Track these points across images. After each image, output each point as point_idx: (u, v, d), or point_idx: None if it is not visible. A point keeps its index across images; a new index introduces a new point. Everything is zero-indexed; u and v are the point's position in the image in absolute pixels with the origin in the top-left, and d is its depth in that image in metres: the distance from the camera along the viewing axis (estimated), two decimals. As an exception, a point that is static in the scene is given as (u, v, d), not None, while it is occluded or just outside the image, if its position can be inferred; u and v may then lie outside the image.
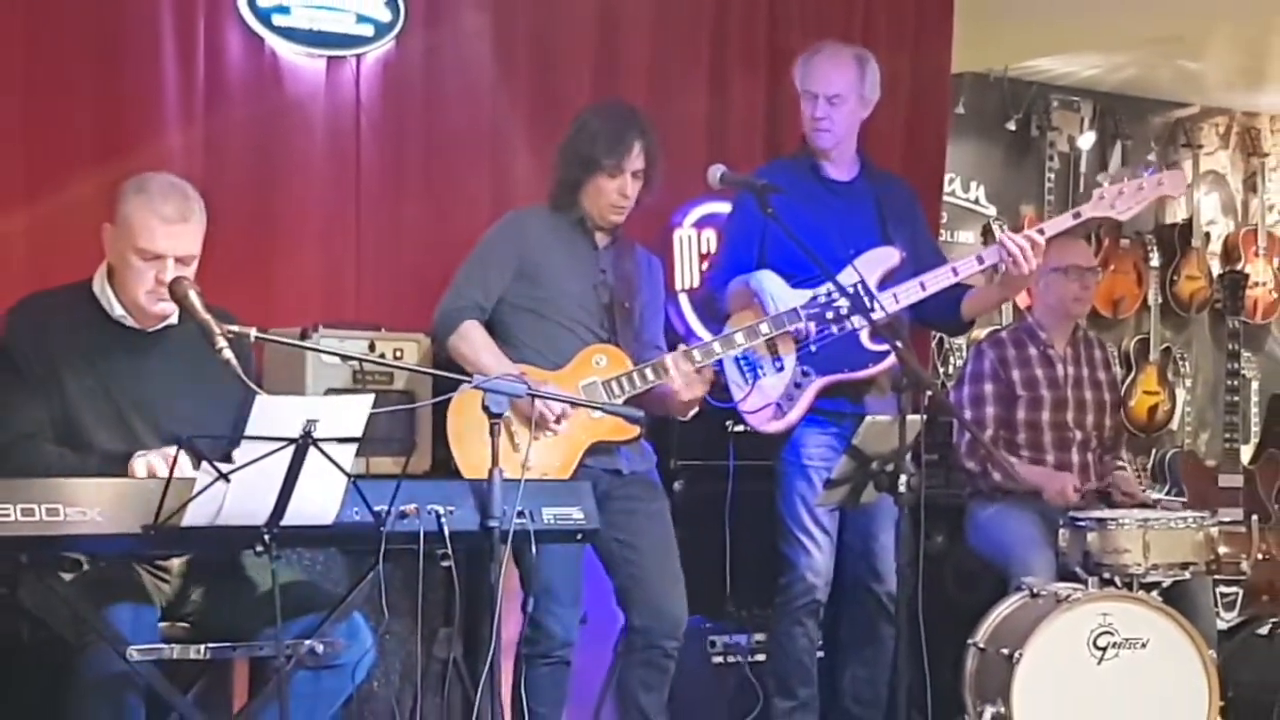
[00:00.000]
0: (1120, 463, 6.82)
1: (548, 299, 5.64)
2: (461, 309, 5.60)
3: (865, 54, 6.29)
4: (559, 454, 5.47)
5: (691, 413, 5.73)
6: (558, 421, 5.43)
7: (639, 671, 5.74)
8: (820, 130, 6.18)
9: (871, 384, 6.11)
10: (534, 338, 5.62)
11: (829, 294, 5.71)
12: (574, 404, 5.38)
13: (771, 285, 5.99)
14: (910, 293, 6.06)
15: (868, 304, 5.65)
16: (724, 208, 6.90)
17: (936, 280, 6.08)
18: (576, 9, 7.30)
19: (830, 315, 5.72)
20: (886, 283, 6.04)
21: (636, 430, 5.63)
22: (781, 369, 6.04)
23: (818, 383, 6.05)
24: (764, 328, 5.80)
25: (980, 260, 6.13)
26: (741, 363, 6.04)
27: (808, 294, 5.92)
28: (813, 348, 5.99)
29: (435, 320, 5.66)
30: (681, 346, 5.79)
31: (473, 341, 5.54)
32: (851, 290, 5.62)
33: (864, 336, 5.97)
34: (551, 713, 5.69)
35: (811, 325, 5.82)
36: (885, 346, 5.91)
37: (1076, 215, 6.16)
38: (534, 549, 4.94)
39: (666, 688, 5.80)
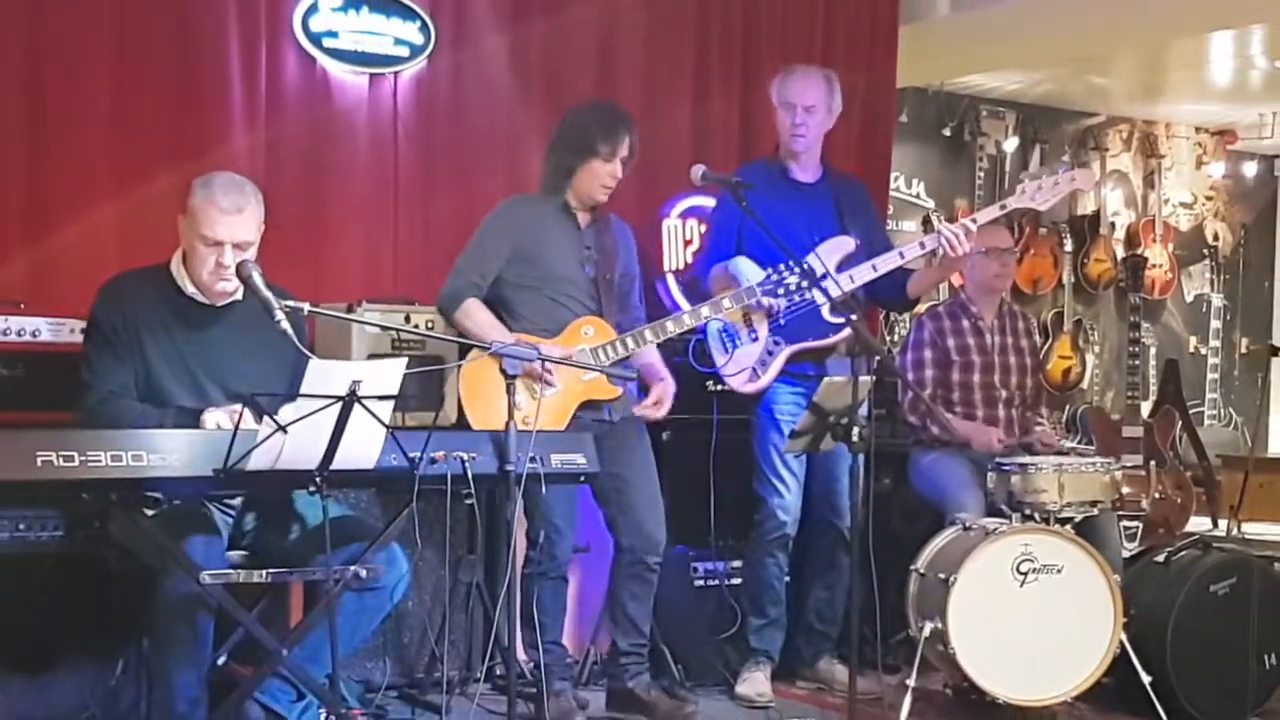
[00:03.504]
0: (1040, 420, 6.80)
1: (544, 276, 5.59)
2: (461, 288, 5.56)
3: (831, 74, 6.28)
4: (555, 410, 5.43)
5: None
6: (549, 375, 5.38)
7: (627, 585, 5.74)
8: (797, 136, 6.16)
9: (832, 350, 6.11)
10: (533, 311, 5.57)
11: (780, 271, 5.68)
12: (580, 366, 5.36)
13: (746, 269, 5.97)
14: (863, 273, 6.05)
15: (817, 275, 5.64)
16: (706, 201, 6.89)
17: (886, 262, 6.07)
18: (580, 35, 7.28)
19: (782, 291, 5.70)
20: (844, 265, 6.03)
21: (619, 391, 5.64)
22: (756, 339, 6.03)
23: (787, 350, 6.05)
24: (725, 302, 5.78)
25: (923, 245, 6.12)
26: (723, 334, 6.03)
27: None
28: (782, 321, 5.98)
29: (440, 299, 5.60)
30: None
31: (475, 317, 5.49)
32: (806, 267, 5.59)
33: (825, 311, 5.96)
34: (553, 621, 5.72)
35: (770, 300, 5.80)
36: (843, 319, 5.91)
37: (1003, 206, 6.15)
38: (544, 489, 4.97)
39: (651, 599, 5.80)
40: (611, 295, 5.70)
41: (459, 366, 5.55)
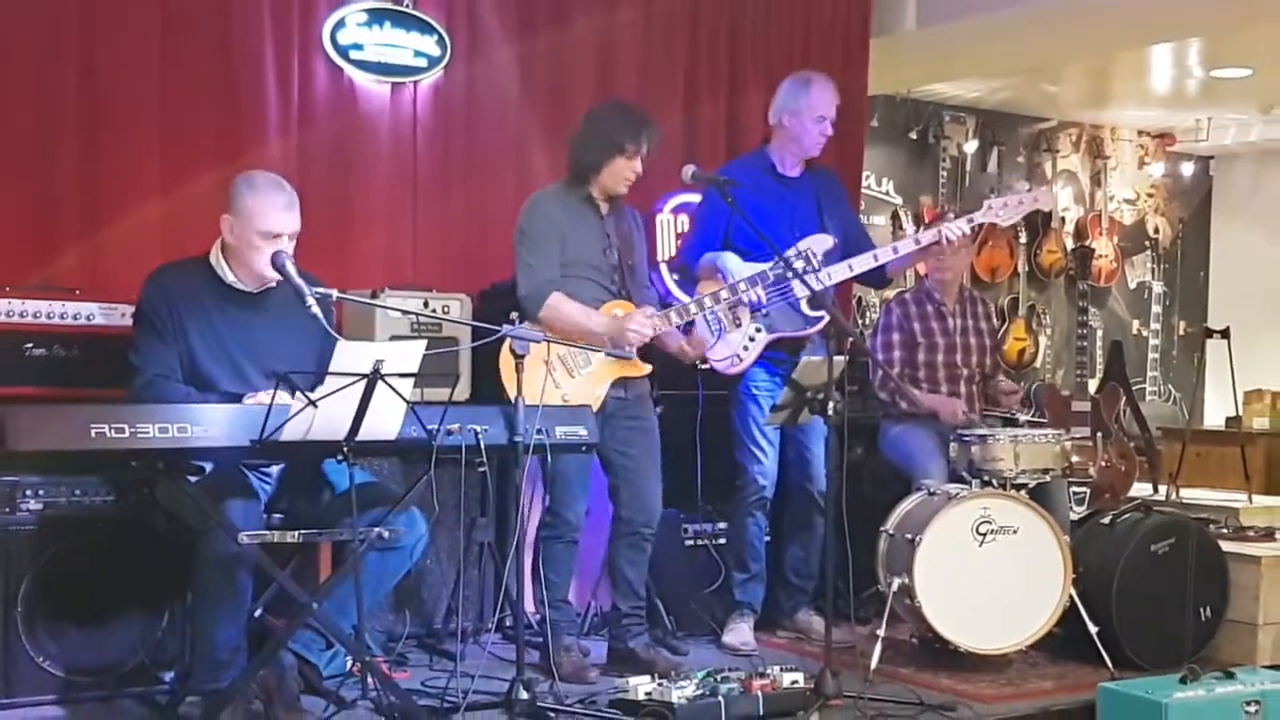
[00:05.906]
0: (1000, 378, 6.83)
1: (572, 262, 5.50)
2: (541, 287, 5.43)
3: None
4: (590, 388, 5.44)
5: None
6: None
7: (625, 552, 5.71)
8: (822, 142, 6.19)
9: (806, 341, 6.11)
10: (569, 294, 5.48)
11: (773, 268, 5.71)
12: (581, 349, 5.35)
13: (730, 262, 5.99)
14: (840, 271, 6.12)
15: (798, 267, 5.64)
16: (696, 198, 6.87)
17: (861, 263, 6.14)
18: (582, 47, 7.27)
19: (762, 286, 5.76)
20: (823, 262, 6.04)
21: (649, 368, 5.64)
22: (740, 328, 6.02)
23: (767, 338, 6.05)
24: (723, 294, 5.81)
25: (895, 250, 6.23)
26: (710, 322, 6.01)
27: (759, 268, 5.93)
28: (765, 312, 5.98)
29: (523, 303, 5.42)
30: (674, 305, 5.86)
31: (561, 309, 5.42)
32: (793, 257, 5.59)
33: (804, 305, 6.00)
34: (563, 581, 5.66)
35: (759, 292, 5.82)
36: (820, 313, 5.94)
37: (970, 221, 6.21)
38: (549, 458, 5.00)
39: (646, 564, 5.77)
40: (634, 279, 5.66)
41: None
